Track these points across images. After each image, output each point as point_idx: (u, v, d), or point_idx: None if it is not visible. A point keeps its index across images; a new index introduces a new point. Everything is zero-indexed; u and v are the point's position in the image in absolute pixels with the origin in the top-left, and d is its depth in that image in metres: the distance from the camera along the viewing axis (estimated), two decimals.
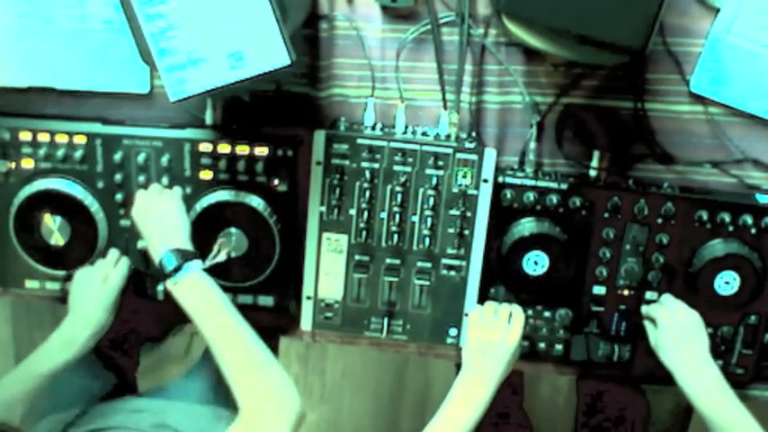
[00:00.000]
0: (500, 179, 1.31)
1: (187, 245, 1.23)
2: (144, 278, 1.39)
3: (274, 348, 1.66)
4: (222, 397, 1.19)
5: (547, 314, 1.36)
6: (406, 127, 1.33)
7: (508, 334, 1.27)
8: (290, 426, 1.08)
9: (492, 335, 1.27)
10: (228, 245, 1.33)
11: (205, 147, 1.33)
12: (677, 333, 1.26)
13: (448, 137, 1.31)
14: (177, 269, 1.19)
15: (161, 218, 1.26)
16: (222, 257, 1.30)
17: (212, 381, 1.42)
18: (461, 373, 1.26)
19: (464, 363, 1.27)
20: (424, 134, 1.32)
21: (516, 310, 1.30)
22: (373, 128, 1.33)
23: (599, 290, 1.34)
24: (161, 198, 1.28)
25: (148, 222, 1.26)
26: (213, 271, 1.32)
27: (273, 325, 1.45)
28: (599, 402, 1.61)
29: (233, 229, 1.34)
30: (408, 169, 1.31)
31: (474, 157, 1.30)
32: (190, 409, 1.42)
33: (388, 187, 1.32)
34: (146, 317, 1.71)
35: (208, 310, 1.18)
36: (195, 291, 1.19)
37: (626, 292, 1.34)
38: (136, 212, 1.28)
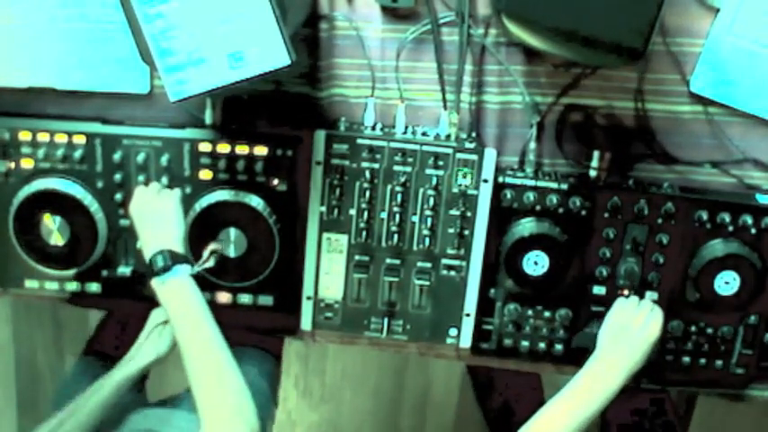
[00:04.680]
0: (500, 179, 1.31)
1: (179, 248, 1.23)
2: (143, 279, 1.39)
3: (278, 349, 1.66)
4: None
5: (547, 314, 1.36)
6: (406, 127, 1.33)
7: (649, 324, 1.26)
8: None
9: (634, 320, 1.27)
10: (220, 250, 1.32)
11: (205, 146, 1.33)
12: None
13: (448, 137, 1.31)
14: (166, 269, 1.19)
15: (157, 217, 1.26)
16: (211, 263, 1.30)
17: None
18: (596, 353, 1.25)
19: (599, 345, 1.27)
20: (424, 134, 1.32)
21: (656, 307, 1.30)
22: (373, 128, 1.33)
23: (599, 290, 1.34)
24: (159, 197, 1.29)
25: (144, 220, 1.26)
26: (213, 271, 1.32)
27: (273, 325, 1.45)
28: (627, 408, 1.61)
29: (231, 230, 1.33)
30: (408, 169, 1.31)
31: (474, 157, 1.30)
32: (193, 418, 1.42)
33: (388, 187, 1.32)
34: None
35: (186, 316, 1.19)
36: (179, 295, 1.20)
37: (626, 292, 1.34)
38: (133, 208, 1.28)
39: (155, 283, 1.20)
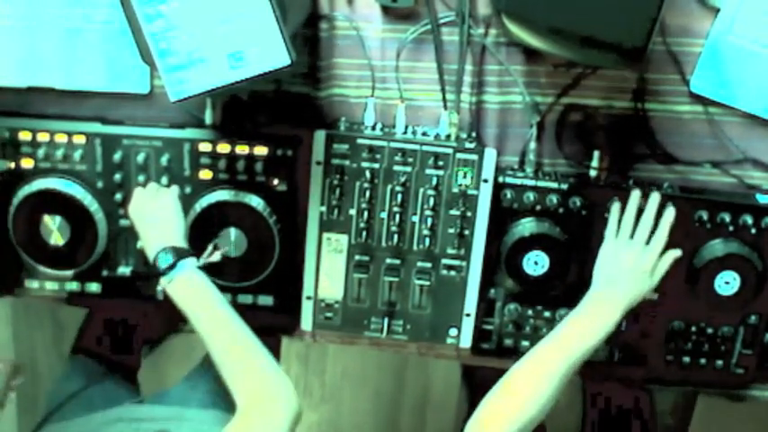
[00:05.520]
0: (500, 179, 1.31)
1: (182, 243, 1.23)
2: (143, 278, 1.39)
3: (276, 349, 1.66)
4: (224, 401, 1.19)
5: (547, 314, 1.36)
6: (407, 127, 1.33)
7: (645, 256, 1.22)
8: (288, 423, 1.08)
9: (626, 254, 1.23)
10: (224, 246, 1.32)
11: (205, 146, 1.33)
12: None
13: (448, 137, 1.31)
14: (171, 267, 1.18)
15: (157, 216, 1.26)
16: (217, 257, 1.29)
17: (214, 385, 1.41)
18: (589, 291, 1.22)
19: (594, 281, 1.24)
20: (424, 134, 1.32)
21: (663, 220, 1.24)
22: (373, 128, 1.33)
23: None
24: (157, 196, 1.28)
25: (144, 220, 1.26)
26: (213, 271, 1.32)
27: (273, 325, 1.45)
28: (608, 402, 1.61)
29: (231, 230, 1.33)
30: (408, 169, 1.31)
31: (474, 157, 1.30)
32: (192, 415, 1.42)
33: (388, 187, 1.32)
34: (145, 318, 1.71)
35: (203, 308, 1.17)
36: (190, 288, 1.19)
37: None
38: (132, 210, 1.28)
39: (163, 282, 1.19)
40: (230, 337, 1.15)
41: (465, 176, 1.31)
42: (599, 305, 1.20)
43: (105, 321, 1.69)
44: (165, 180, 1.34)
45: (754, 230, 1.28)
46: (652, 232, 1.25)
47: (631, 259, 1.23)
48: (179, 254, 1.20)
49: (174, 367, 1.70)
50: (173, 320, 1.32)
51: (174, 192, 1.30)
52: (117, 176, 1.35)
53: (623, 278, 1.22)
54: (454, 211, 1.32)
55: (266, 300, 1.40)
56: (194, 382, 1.51)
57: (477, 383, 1.92)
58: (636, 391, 1.58)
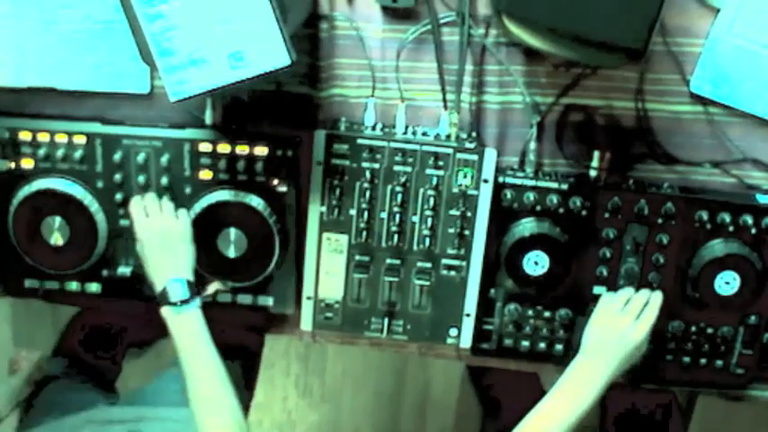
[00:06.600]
0: (500, 179, 1.31)
1: (192, 276, 1.24)
2: (140, 279, 1.39)
3: (259, 347, 1.67)
4: None
5: (547, 314, 1.36)
6: (407, 127, 1.33)
7: (635, 327, 1.26)
8: None
9: (617, 322, 1.26)
10: (219, 285, 1.36)
11: (205, 147, 1.33)
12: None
13: (448, 137, 1.31)
14: (184, 302, 1.21)
15: (171, 242, 1.26)
16: (211, 290, 1.34)
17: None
18: (579, 354, 1.26)
19: (583, 346, 1.27)
20: (424, 134, 1.32)
21: (654, 299, 1.29)
22: (373, 128, 1.33)
23: (599, 290, 1.34)
24: (164, 217, 1.28)
25: (156, 244, 1.26)
26: (214, 270, 1.33)
27: (273, 325, 1.46)
28: (631, 405, 1.62)
29: (231, 230, 1.33)
30: (408, 169, 1.31)
31: (474, 157, 1.30)
32: (164, 414, 1.42)
33: (389, 187, 1.32)
34: (136, 319, 1.70)
35: (195, 349, 1.21)
36: (191, 328, 1.21)
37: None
38: (141, 232, 1.27)
39: (169, 311, 1.21)
40: (209, 384, 1.20)
41: (465, 176, 1.31)
42: (585, 375, 1.23)
43: (91, 326, 1.69)
44: (165, 180, 1.34)
45: (754, 230, 1.28)
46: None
47: (621, 327, 1.26)
48: (192, 290, 1.22)
49: (161, 371, 1.70)
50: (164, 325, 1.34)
51: (188, 218, 1.30)
52: (117, 176, 1.35)
53: (611, 347, 1.25)
54: (454, 212, 1.32)
55: (266, 300, 1.40)
56: (167, 380, 1.52)
57: (484, 384, 1.93)
58: (660, 394, 1.58)
